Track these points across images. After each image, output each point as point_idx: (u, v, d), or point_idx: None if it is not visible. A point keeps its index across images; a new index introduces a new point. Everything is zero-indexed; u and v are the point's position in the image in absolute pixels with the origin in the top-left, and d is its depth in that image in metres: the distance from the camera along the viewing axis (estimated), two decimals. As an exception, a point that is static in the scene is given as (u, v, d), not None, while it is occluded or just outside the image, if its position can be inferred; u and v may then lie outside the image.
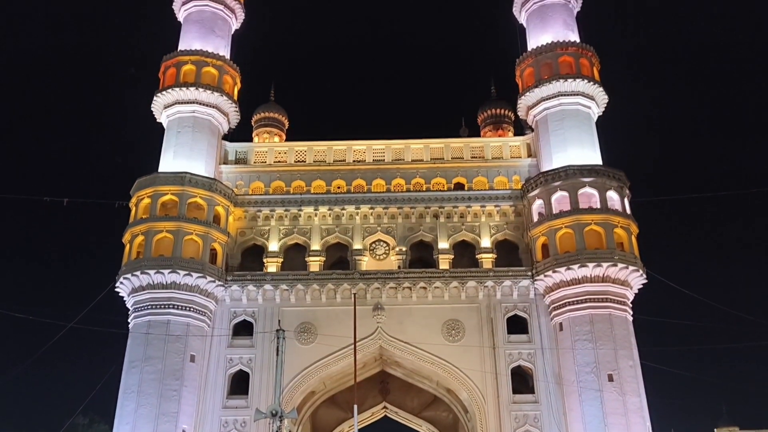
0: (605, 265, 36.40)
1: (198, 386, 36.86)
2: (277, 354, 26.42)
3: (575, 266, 36.44)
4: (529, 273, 38.66)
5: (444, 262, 39.71)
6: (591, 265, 36.39)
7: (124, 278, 37.35)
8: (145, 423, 34.78)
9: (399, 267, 39.67)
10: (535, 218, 39.51)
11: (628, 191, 39.69)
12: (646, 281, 38.14)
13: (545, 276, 37.58)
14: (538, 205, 39.75)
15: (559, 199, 38.81)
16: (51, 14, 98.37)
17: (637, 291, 38.42)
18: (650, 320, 40.23)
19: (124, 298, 38.66)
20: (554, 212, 38.44)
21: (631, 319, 37.30)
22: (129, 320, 38.00)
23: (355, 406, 30.05)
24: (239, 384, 37.94)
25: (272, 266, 40.11)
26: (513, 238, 40.72)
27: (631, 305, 37.76)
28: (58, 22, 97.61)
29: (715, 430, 75.16)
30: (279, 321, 35.35)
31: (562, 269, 36.74)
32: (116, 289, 38.33)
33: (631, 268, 36.81)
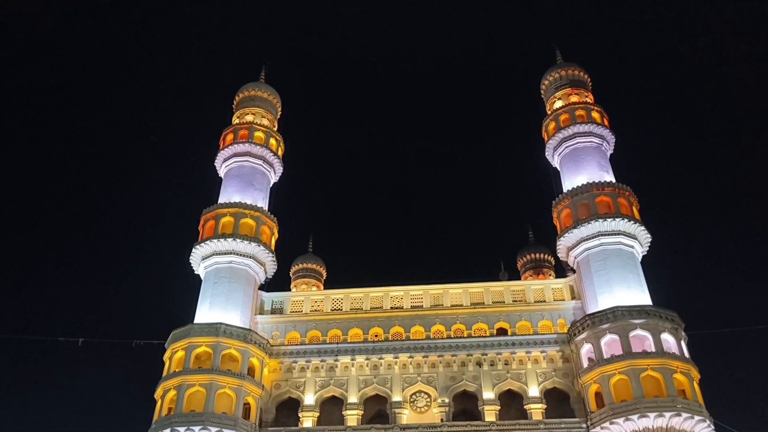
0: (668, 415, 33.32)
1: None
2: None
3: (635, 417, 33.46)
4: (584, 425, 35.67)
5: (490, 414, 37.10)
6: (652, 415, 33.38)
7: (154, 437, 35.62)
8: None
9: (442, 420, 37.14)
10: (585, 364, 37.15)
11: (684, 333, 37.33)
12: (714, 432, 34.69)
13: (602, 428, 34.53)
14: (587, 350, 37.53)
15: (610, 343, 36.63)
16: (96, 166, 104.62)
17: (706, 445, 34.80)
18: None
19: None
20: (605, 357, 36.11)
21: (703, 476, 33.46)
22: (156, 483, 35.68)
23: None
24: None
25: (308, 421, 38.02)
26: (563, 386, 38.12)
27: (701, 461, 34.04)
28: (106, 177, 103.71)
29: None
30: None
31: (620, 420, 33.76)
32: (145, 449, 36.48)
33: (696, 417, 33.59)
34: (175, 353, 38.03)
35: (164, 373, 37.97)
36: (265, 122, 50.58)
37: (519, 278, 52.49)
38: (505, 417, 37.17)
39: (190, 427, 34.97)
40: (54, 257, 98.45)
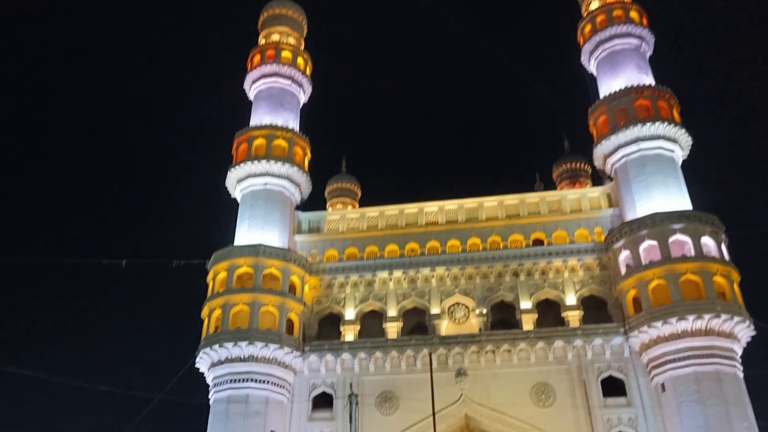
0: (707, 317, 33.34)
1: (279, 463, 35.68)
2: (350, 421, 25.03)
3: (673, 320, 33.57)
4: (622, 329, 35.97)
5: (527, 323, 37.63)
6: (691, 317, 33.44)
7: (204, 353, 37.26)
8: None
9: (480, 330, 37.85)
10: (623, 270, 37.07)
11: (724, 236, 36.76)
12: (754, 333, 34.67)
13: (640, 332, 34.80)
14: (625, 257, 37.36)
15: (648, 249, 36.34)
16: (134, 100, 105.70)
17: (745, 345, 34.92)
18: (764, 376, 36.41)
19: (204, 374, 38.47)
20: (644, 263, 35.93)
21: (741, 375, 33.71)
22: (209, 395, 37.64)
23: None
24: (322, 460, 36.49)
25: (349, 334, 39.18)
26: (600, 293, 38.25)
27: (740, 360, 34.26)
28: (140, 103, 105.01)
29: None
30: (351, 385, 34.18)
31: (659, 323, 33.92)
32: (196, 365, 38.24)
33: (736, 318, 33.55)
34: (217, 274, 39.18)
35: (208, 294, 39.29)
36: (292, 41, 49.68)
37: (555, 189, 51.90)
38: (542, 325, 37.62)
39: (237, 343, 36.43)
40: (97, 186, 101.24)
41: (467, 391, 35.79)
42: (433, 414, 32.27)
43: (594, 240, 39.53)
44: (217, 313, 37.92)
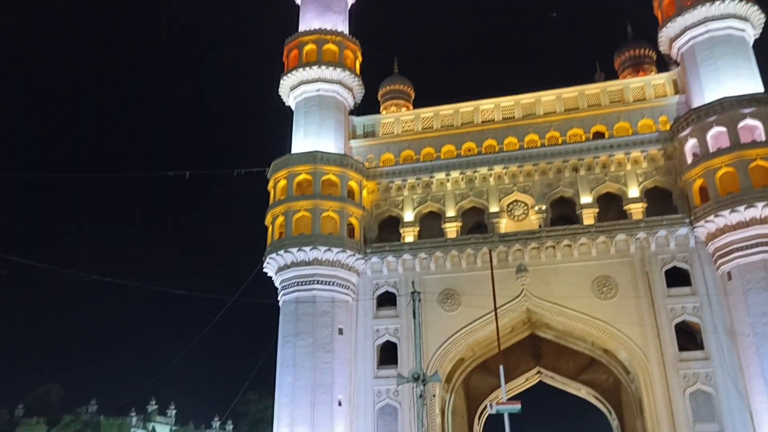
0: (777, 203, 32.31)
1: (348, 358, 37.64)
2: (414, 317, 26.01)
3: (741, 207, 32.66)
4: (687, 220, 35.25)
5: (588, 217, 37.27)
6: (760, 204, 32.48)
7: (270, 258, 38.78)
8: (303, 394, 36.16)
9: (540, 226, 37.75)
10: (689, 160, 35.90)
11: (798, 119, 34.85)
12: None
13: (706, 222, 34.06)
14: (691, 146, 36.08)
15: (716, 136, 34.97)
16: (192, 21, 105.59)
17: (818, 230, 33.79)
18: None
19: (272, 278, 40.19)
20: (711, 151, 34.68)
21: (813, 261, 32.90)
22: (278, 298, 39.49)
23: (501, 369, 28.79)
24: (388, 354, 38.19)
25: (409, 236, 39.82)
26: (664, 185, 37.31)
27: (812, 246, 33.31)
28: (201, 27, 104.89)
29: None
30: (413, 283, 35.09)
31: (726, 212, 33.08)
32: (264, 269, 39.92)
33: (809, 204, 32.38)
34: (278, 182, 40.08)
35: (270, 201, 40.38)
36: (336, -62, 47.71)
37: (617, 78, 49.71)
38: (604, 219, 37.19)
39: (302, 248, 37.70)
40: (159, 104, 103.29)
41: (528, 286, 36.30)
42: (495, 309, 33.11)
43: (659, 130, 38.15)
44: (280, 219, 39.09)
